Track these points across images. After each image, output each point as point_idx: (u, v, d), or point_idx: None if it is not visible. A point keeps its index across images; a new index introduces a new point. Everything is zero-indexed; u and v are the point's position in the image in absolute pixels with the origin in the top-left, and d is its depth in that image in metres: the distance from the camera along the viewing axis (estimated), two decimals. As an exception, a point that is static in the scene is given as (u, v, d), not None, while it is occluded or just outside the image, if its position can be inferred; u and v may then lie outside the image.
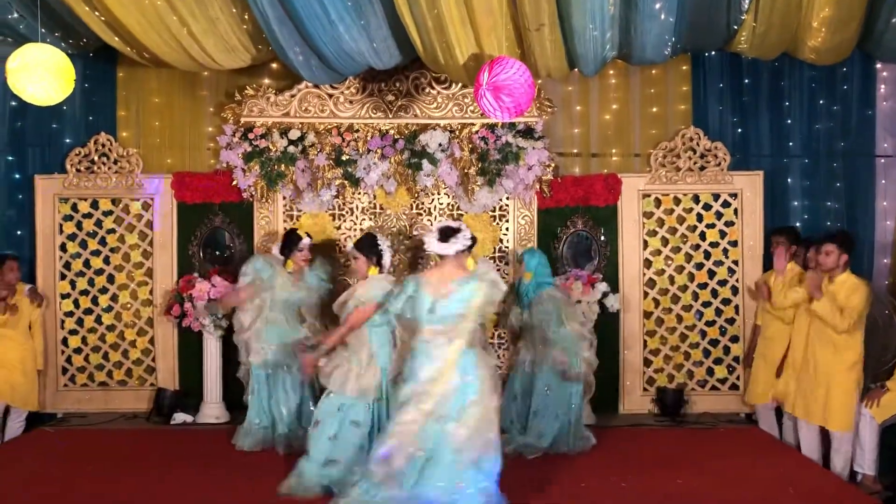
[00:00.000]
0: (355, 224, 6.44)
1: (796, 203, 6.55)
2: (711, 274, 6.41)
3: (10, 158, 6.49)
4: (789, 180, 6.54)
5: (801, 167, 6.55)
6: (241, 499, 4.40)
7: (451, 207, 6.45)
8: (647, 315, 6.42)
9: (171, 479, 4.75)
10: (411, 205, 6.45)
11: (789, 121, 6.54)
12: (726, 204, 6.41)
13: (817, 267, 5.07)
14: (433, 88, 6.31)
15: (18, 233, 6.48)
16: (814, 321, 5.08)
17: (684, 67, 6.56)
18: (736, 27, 5.39)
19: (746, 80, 6.53)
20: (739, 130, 6.56)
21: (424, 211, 6.46)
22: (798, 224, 6.46)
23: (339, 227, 6.42)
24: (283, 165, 6.16)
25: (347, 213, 6.45)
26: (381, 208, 6.45)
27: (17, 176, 6.50)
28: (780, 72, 6.49)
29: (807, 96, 6.52)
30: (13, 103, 6.37)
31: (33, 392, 5.98)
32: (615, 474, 4.79)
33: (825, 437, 5.11)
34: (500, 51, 4.75)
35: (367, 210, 6.46)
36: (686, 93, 6.58)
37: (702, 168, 6.39)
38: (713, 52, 6.46)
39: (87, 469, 4.93)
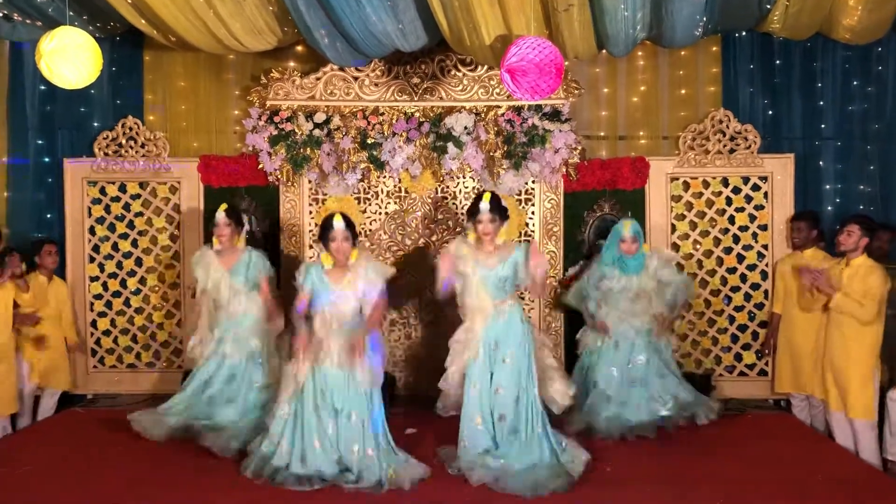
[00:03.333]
0: (380, 208, 6.43)
1: (828, 186, 6.44)
2: (741, 258, 6.34)
3: (40, 142, 6.56)
4: (821, 163, 6.44)
5: (834, 150, 6.44)
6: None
7: (476, 191, 6.40)
8: (675, 299, 6.36)
9: (197, 459, 4.80)
10: (436, 188, 6.42)
11: (821, 102, 6.43)
12: (756, 187, 6.32)
13: (837, 248, 5.06)
14: (459, 71, 6.26)
15: (48, 216, 6.56)
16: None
17: (714, 48, 6.46)
18: (769, 6, 5.28)
19: (778, 62, 6.43)
20: (770, 113, 6.46)
21: (449, 195, 6.43)
22: (830, 208, 6.38)
23: (364, 211, 6.41)
24: (308, 149, 6.16)
25: (373, 196, 6.44)
26: (406, 192, 6.43)
27: (47, 159, 6.57)
28: (813, 52, 6.37)
29: (840, 77, 6.40)
30: (42, 87, 6.45)
31: (65, 373, 6.10)
32: (642, 458, 4.77)
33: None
34: (529, 31, 4.69)
35: (392, 194, 6.44)
36: (716, 74, 6.48)
37: (731, 151, 6.30)
38: (744, 33, 6.36)
39: (115, 449, 5.00)
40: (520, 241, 5.14)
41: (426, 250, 6.40)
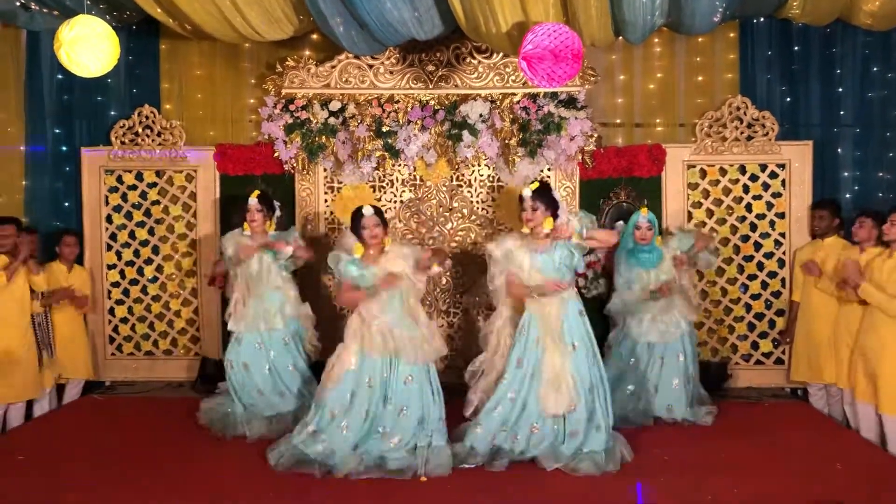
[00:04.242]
0: (395, 196, 6.43)
1: (846, 174, 6.37)
2: (758, 246, 6.30)
3: (57, 131, 6.59)
4: (839, 150, 6.36)
5: (853, 137, 6.36)
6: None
7: (491, 179, 6.40)
8: (691, 288, 6.34)
9: (213, 445, 4.87)
10: (451, 176, 6.41)
11: (840, 89, 6.35)
12: (774, 175, 6.27)
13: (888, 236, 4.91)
14: (474, 58, 6.24)
15: (66, 204, 6.60)
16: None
17: (732, 35, 6.40)
18: (789, -8, 5.23)
19: (796, 48, 6.36)
20: (788, 99, 6.40)
21: (465, 183, 6.41)
22: (848, 196, 6.32)
23: (379, 199, 6.41)
24: (323, 137, 6.16)
25: (388, 184, 6.43)
26: (421, 180, 6.42)
27: (65, 148, 6.60)
28: (832, 38, 6.29)
29: (860, 63, 6.31)
30: (59, 76, 6.48)
31: (85, 362, 6.16)
32: (657, 447, 4.77)
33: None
34: (547, 17, 4.66)
35: (407, 182, 6.44)
36: (733, 61, 6.42)
37: (749, 138, 6.25)
38: (762, 19, 6.29)
39: (131, 435, 5.07)
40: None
41: (441, 239, 6.41)
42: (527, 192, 4.53)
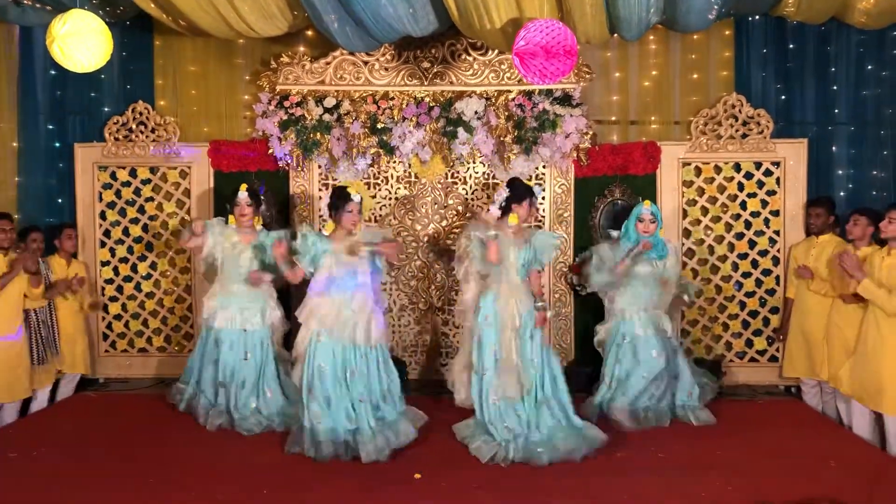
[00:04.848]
0: (390, 193, 6.42)
1: (841, 172, 6.39)
2: (752, 244, 6.31)
3: (51, 127, 6.57)
4: (834, 148, 6.38)
5: (847, 135, 6.38)
6: (272, 461, 4.49)
7: (486, 176, 6.39)
8: (686, 285, 6.34)
9: (205, 442, 4.86)
10: (446, 173, 6.40)
11: (835, 87, 6.36)
12: (768, 173, 6.28)
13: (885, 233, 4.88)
14: (469, 55, 6.23)
15: (59, 201, 6.58)
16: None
17: (727, 32, 6.40)
18: (784, -10, 5.23)
19: (791, 46, 6.36)
20: (783, 97, 6.40)
21: (460, 180, 6.41)
22: (842, 194, 6.34)
23: (374, 196, 6.40)
24: (318, 134, 6.14)
25: (382, 181, 6.42)
26: (416, 177, 6.41)
27: (58, 144, 6.58)
28: (827, 36, 6.31)
29: (854, 62, 6.33)
30: (53, 72, 6.45)
31: (83, 357, 6.15)
32: (652, 445, 4.78)
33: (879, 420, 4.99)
34: (541, 14, 4.65)
35: (402, 179, 6.43)
36: (728, 58, 6.42)
37: (744, 136, 6.26)
38: (757, 17, 6.29)
39: (124, 432, 5.06)
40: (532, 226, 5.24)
41: (436, 236, 6.40)
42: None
